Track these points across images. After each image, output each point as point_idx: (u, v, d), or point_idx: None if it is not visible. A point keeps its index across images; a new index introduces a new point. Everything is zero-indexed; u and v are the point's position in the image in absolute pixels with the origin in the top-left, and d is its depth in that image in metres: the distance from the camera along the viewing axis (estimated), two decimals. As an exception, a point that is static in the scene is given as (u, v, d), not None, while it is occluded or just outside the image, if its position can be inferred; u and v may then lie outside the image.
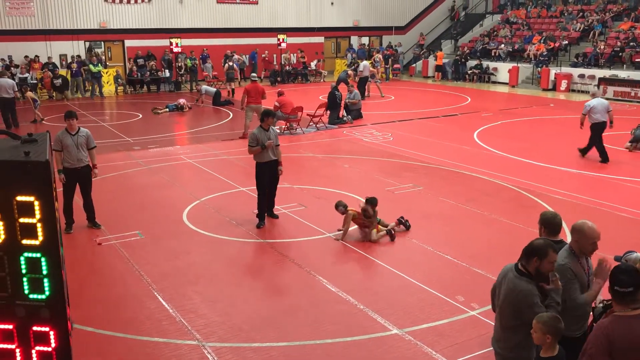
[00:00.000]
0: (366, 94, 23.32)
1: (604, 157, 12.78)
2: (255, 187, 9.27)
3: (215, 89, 22.43)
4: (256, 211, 9.19)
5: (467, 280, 7.16)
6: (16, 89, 18.02)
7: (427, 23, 35.74)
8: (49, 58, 25.01)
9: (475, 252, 7.96)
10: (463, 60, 29.47)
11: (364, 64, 23.74)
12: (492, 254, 7.87)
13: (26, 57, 24.57)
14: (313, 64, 30.71)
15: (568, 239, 7.13)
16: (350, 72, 23.62)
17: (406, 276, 7.27)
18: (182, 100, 20.87)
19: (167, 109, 20.35)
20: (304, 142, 15.15)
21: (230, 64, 25.45)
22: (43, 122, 17.77)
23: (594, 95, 13.44)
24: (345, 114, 18.21)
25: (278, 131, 10.42)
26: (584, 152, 13.15)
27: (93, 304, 6.56)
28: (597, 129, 12.75)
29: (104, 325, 6.10)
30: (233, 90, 24.47)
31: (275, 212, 9.48)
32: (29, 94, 19.01)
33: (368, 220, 8.47)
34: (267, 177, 9.18)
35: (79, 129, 8.72)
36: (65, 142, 8.51)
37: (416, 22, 35.58)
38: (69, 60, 25.38)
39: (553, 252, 3.99)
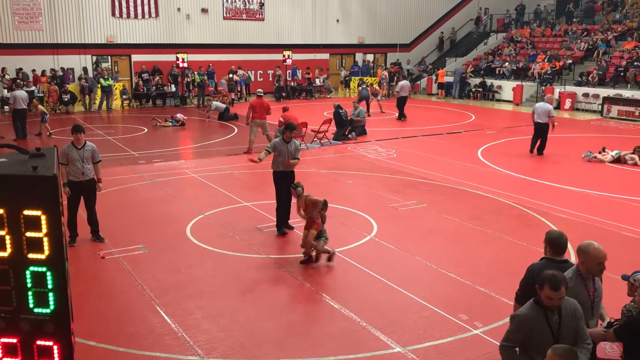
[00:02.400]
0: (401, 114, 22.12)
1: (531, 149, 15.65)
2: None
3: (225, 105, 22.62)
4: (259, 226, 9.20)
5: (470, 298, 7.12)
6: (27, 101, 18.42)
7: (431, 41, 35.96)
8: (56, 72, 25.22)
9: (479, 270, 7.93)
10: (466, 79, 29.59)
11: (402, 83, 22.42)
12: (496, 273, 7.85)
13: (20, 69, 24.53)
14: (318, 81, 30.88)
15: (572, 258, 7.13)
16: (370, 88, 23.65)
17: (409, 293, 7.24)
18: (179, 115, 21.02)
19: (170, 123, 20.50)
20: (308, 158, 15.17)
21: (230, 76, 26.61)
22: (52, 136, 17.87)
23: (545, 100, 16.26)
24: (350, 131, 18.24)
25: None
26: (538, 150, 15.54)
27: (95, 318, 6.55)
28: (535, 128, 15.49)
29: (105, 340, 6.08)
30: (232, 100, 25.54)
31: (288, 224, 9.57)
32: (40, 107, 19.12)
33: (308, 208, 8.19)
34: (283, 186, 9.28)
35: (85, 142, 8.79)
36: (71, 155, 8.57)
37: (421, 39, 35.79)
38: (77, 74, 25.57)
39: (550, 288, 3.93)
